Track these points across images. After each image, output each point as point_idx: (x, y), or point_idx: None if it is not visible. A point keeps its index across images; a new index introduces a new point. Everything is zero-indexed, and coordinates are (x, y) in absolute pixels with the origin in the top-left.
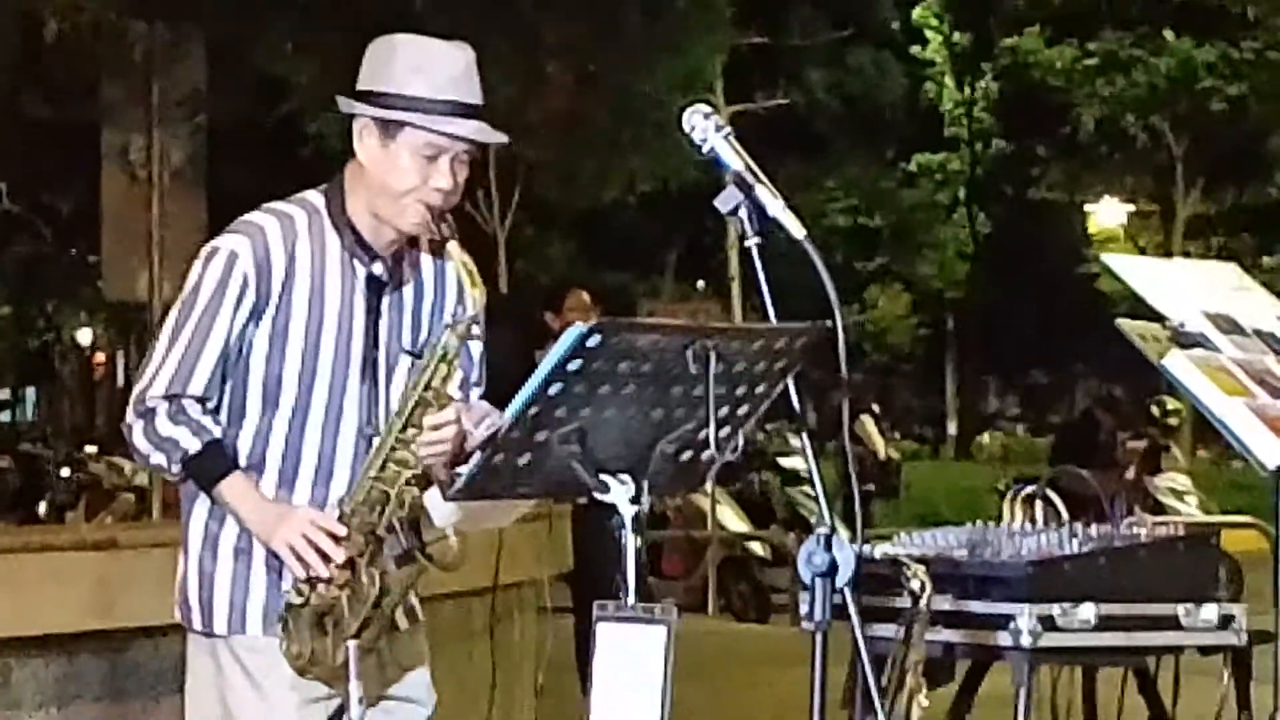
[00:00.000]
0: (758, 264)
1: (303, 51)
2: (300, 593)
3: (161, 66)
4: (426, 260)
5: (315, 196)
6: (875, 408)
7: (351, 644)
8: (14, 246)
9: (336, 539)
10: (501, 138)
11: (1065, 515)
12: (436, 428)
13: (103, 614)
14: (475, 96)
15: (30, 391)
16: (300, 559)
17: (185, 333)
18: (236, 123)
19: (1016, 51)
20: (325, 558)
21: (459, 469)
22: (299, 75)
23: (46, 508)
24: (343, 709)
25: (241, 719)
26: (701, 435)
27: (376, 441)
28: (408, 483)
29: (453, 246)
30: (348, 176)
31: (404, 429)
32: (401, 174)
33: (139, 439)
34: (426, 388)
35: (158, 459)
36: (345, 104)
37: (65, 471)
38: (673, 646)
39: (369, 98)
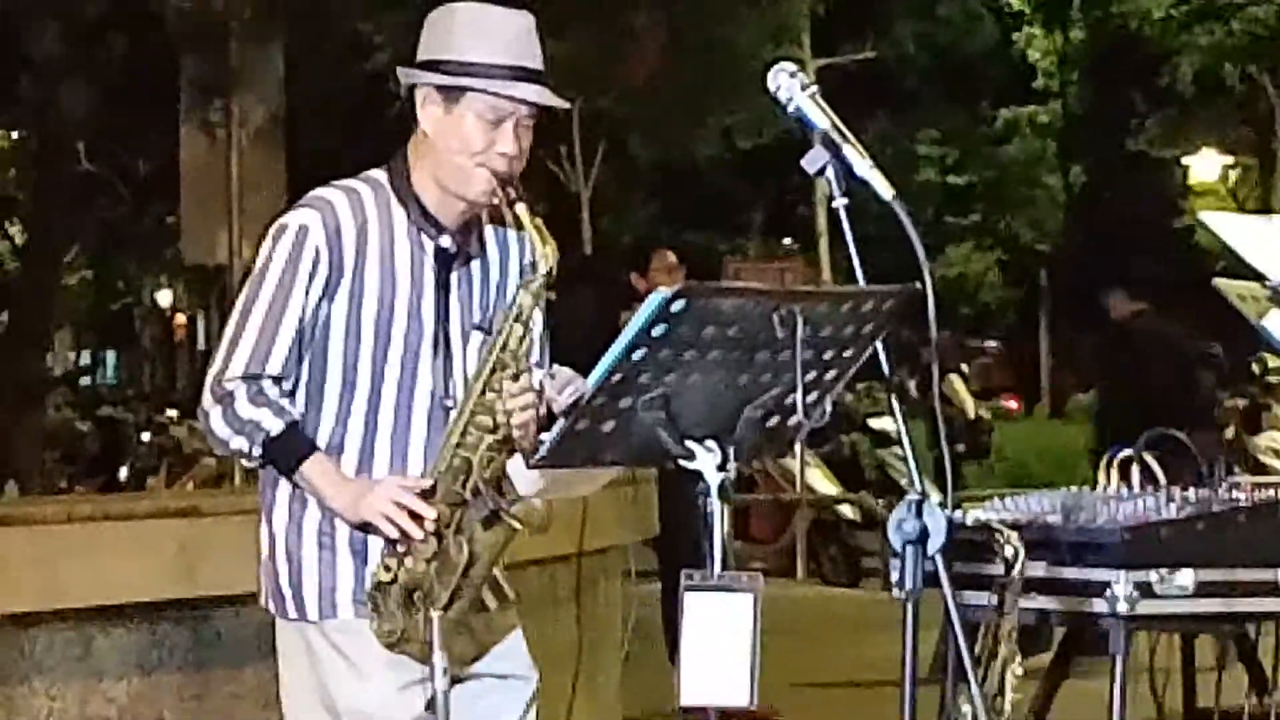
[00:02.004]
0: (845, 225)
1: (386, 9)
2: (388, 568)
3: (241, 24)
4: (495, 231)
5: (379, 173)
6: (964, 367)
7: (435, 615)
8: (93, 208)
9: (426, 497)
10: (562, 103)
11: (1162, 479)
12: (517, 395)
13: (184, 582)
14: (536, 61)
15: (110, 355)
16: (394, 523)
17: (259, 311)
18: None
19: (1110, 1)
20: (418, 519)
21: (542, 435)
22: (382, 33)
23: (127, 473)
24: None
25: (341, 701)
26: (788, 400)
27: (455, 410)
28: (490, 448)
29: (521, 209)
30: (411, 150)
31: (483, 393)
32: (465, 140)
33: (218, 424)
34: (503, 349)
35: (238, 443)
36: (406, 74)
37: (146, 436)
38: (760, 614)
39: (430, 66)
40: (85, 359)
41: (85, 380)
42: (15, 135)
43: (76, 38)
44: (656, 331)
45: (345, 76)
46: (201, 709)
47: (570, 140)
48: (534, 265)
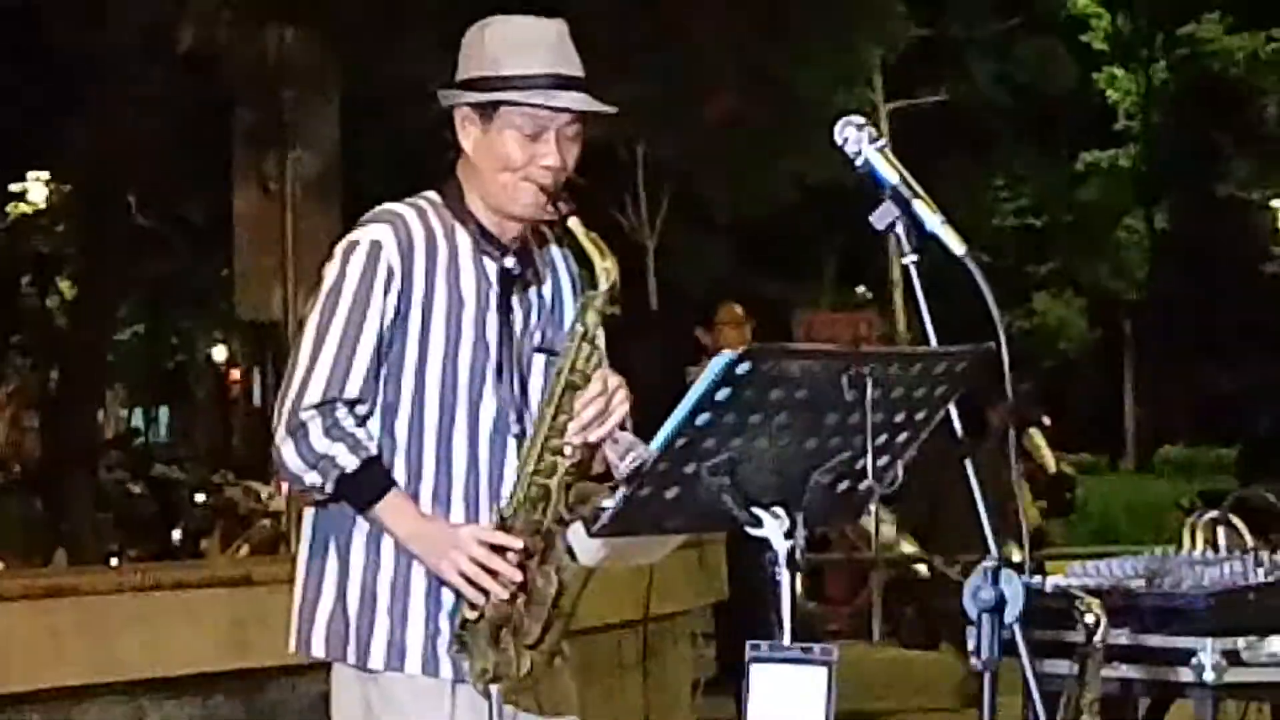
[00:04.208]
0: (916, 282)
1: (442, 54)
2: (474, 606)
3: (295, 73)
4: (553, 251)
5: (434, 195)
6: (1046, 420)
7: (494, 688)
8: (145, 261)
9: (507, 554)
10: (604, 108)
11: (1249, 541)
12: (584, 406)
13: (238, 653)
14: (572, 67)
15: (163, 412)
16: (475, 585)
17: (334, 332)
18: (374, 133)
19: (1194, 40)
20: (499, 576)
21: (604, 503)
22: (442, 76)
23: (181, 535)
24: None
25: None
26: (859, 465)
27: (529, 437)
28: (567, 472)
29: (575, 223)
30: (460, 173)
31: (555, 416)
32: (505, 156)
33: (291, 458)
34: (573, 370)
35: (312, 479)
36: (444, 95)
37: (200, 496)
38: (834, 688)
39: (466, 86)
40: (137, 417)
41: (137, 440)
42: (66, 188)
43: (128, 86)
44: (721, 395)
45: (402, 126)
46: None
47: (634, 187)
48: (593, 282)
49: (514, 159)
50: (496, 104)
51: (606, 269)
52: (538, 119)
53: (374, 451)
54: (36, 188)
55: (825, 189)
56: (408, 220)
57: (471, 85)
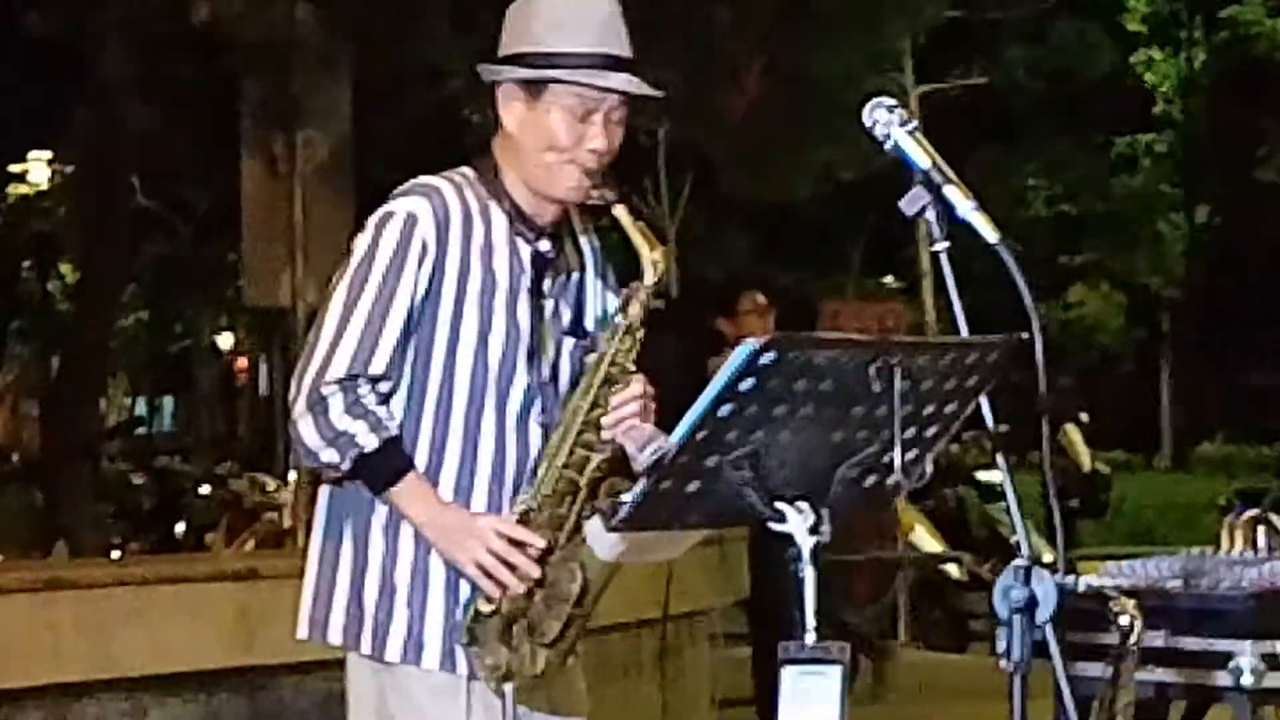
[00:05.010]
0: (946, 270)
1: (459, 32)
2: (490, 600)
3: (306, 49)
4: (589, 236)
5: (469, 171)
6: (1083, 416)
7: (508, 687)
8: (149, 246)
9: (527, 548)
10: (654, 91)
11: None
12: (622, 404)
13: (243, 649)
14: (623, 48)
15: (167, 401)
16: (492, 578)
17: (363, 305)
18: (388, 111)
19: (1235, 22)
20: (517, 570)
21: (623, 496)
22: (455, 59)
23: (184, 528)
24: None
25: None
26: (886, 458)
27: (560, 427)
28: (597, 468)
29: (620, 210)
30: (497, 150)
31: (590, 409)
32: (551, 136)
33: (308, 433)
34: (612, 363)
35: (329, 456)
36: (487, 71)
37: (204, 489)
38: (847, 686)
39: (512, 61)
40: (140, 406)
41: (140, 429)
42: (68, 169)
43: (132, 63)
44: (744, 386)
45: (417, 105)
46: None
47: (656, 173)
48: (638, 273)
49: (561, 139)
50: (545, 82)
51: (655, 261)
52: (587, 99)
53: (395, 432)
54: (38, 168)
55: (852, 175)
56: (445, 194)
57: (518, 59)
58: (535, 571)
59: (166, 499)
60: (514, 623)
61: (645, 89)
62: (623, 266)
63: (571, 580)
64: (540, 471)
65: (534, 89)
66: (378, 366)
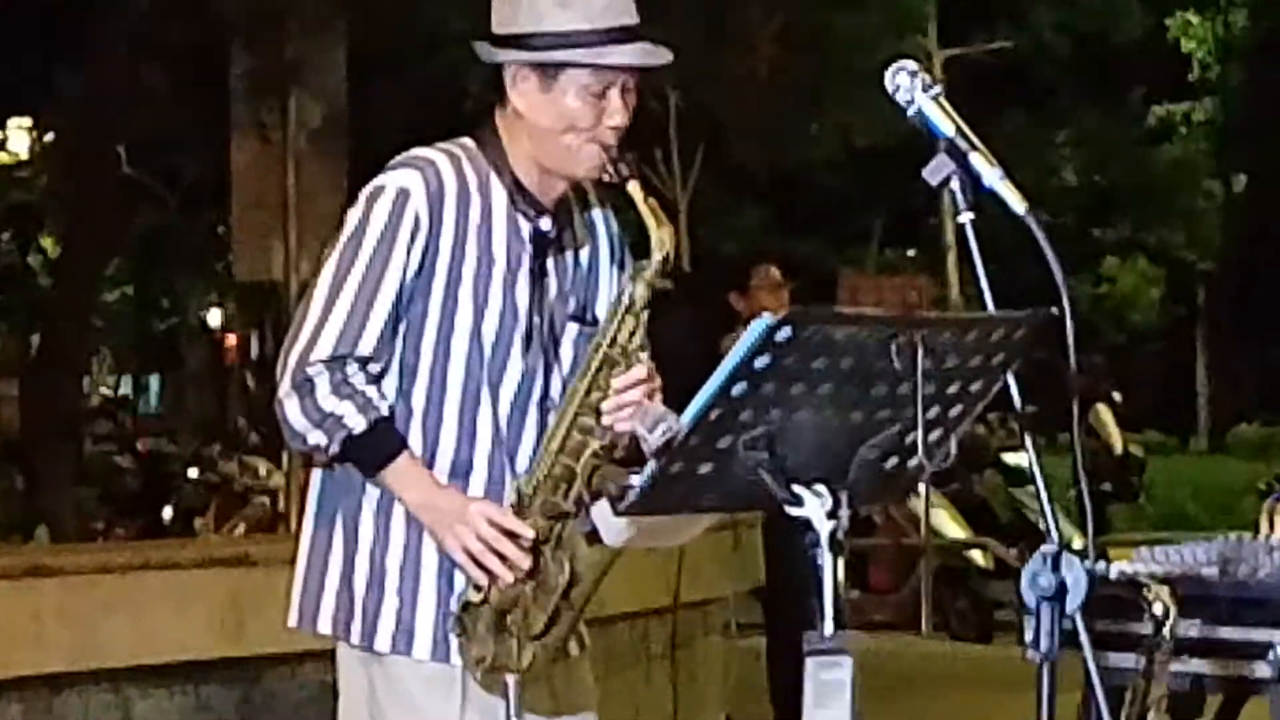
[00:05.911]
0: (972, 242)
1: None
2: (479, 588)
3: (299, 13)
4: (594, 213)
5: (469, 143)
6: (1115, 396)
7: (511, 679)
8: (135, 218)
9: (518, 538)
10: (669, 56)
11: None
12: (624, 389)
13: (233, 639)
14: (631, 15)
15: (153, 380)
16: (480, 565)
17: (351, 283)
18: (384, 79)
19: None
20: (507, 560)
21: (632, 479)
22: (455, 22)
23: (171, 513)
24: None
25: None
26: (908, 440)
27: (556, 412)
28: (595, 454)
29: (634, 187)
30: (502, 126)
31: (588, 393)
32: (571, 117)
33: (294, 415)
34: (612, 344)
35: (316, 438)
36: (489, 53)
37: (192, 471)
38: (857, 676)
39: (518, 41)
40: (125, 385)
41: (125, 409)
42: (50, 137)
43: (119, 27)
44: (759, 363)
45: (414, 72)
46: None
47: (667, 141)
48: (645, 250)
49: (582, 120)
50: (562, 64)
51: (662, 239)
52: (603, 76)
53: (384, 413)
54: (18, 135)
55: (872, 143)
56: (440, 168)
57: (524, 40)
58: (525, 562)
59: (153, 482)
60: (506, 615)
61: (661, 55)
62: (635, 244)
63: (560, 572)
64: (536, 456)
65: (548, 71)
66: (365, 347)
